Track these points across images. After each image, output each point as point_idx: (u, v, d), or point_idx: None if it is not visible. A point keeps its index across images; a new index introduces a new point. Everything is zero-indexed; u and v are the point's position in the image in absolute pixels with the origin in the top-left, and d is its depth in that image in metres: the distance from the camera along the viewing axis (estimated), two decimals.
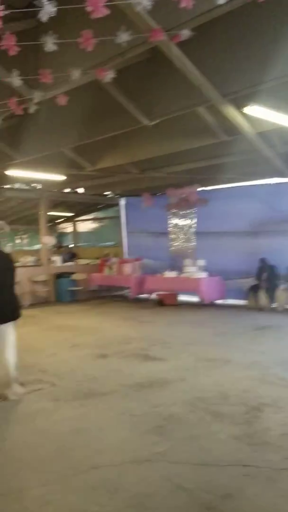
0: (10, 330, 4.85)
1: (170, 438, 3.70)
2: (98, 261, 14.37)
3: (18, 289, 5.26)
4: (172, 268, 12.08)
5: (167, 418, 4.11)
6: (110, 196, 16.14)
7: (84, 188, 15.33)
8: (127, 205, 15.07)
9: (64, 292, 13.25)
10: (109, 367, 5.98)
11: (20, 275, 12.49)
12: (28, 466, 3.32)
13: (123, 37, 3.84)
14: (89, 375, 5.58)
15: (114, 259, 13.65)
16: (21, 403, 4.68)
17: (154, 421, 4.04)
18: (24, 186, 15.19)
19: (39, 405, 4.58)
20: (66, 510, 2.76)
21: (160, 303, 11.82)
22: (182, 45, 5.20)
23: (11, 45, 3.58)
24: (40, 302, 12.96)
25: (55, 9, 3.13)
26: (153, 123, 7.50)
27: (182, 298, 12.17)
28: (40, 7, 3.19)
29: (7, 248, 6.94)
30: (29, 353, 6.85)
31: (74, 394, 4.85)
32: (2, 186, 13.30)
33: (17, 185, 15.73)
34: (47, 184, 13.69)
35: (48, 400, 4.71)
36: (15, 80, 4.45)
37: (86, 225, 19.70)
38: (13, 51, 3.65)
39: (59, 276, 13.48)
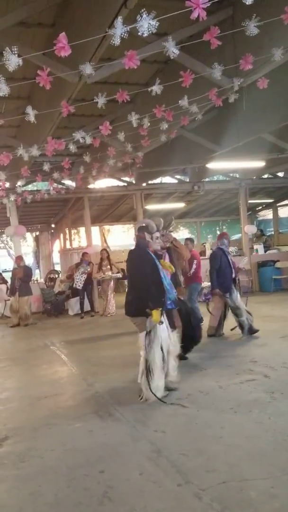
0: None
1: None
2: None
3: None
4: None
5: None
6: None
7: (284, 171, 14.68)
8: None
9: (267, 281, 12.95)
10: None
11: None
12: (248, 456, 3.33)
13: None
14: None
15: None
16: (235, 393, 4.73)
17: None
18: (222, 178, 15.39)
19: (253, 396, 4.56)
20: None
21: None
22: None
23: (213, 38, 3.58)
24: (243, 292, 12.95)
25: None
26: None
27: None
28: None
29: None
30: (238, 342, 6.93)
31: None
32: (202, 180, 13.71)
33: (215, 177, 16.05)
34: (245, 172, 13.57)
35: (262, 392, 4.64)
36: (216, 72, 4.46)
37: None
38: (215, 44, 3.65)
39: (262, 264, 13.22)
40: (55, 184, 10.33)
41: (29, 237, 22.85)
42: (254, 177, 14.32)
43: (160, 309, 4.60)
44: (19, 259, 11.43)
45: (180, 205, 16.81)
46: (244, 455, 3.36)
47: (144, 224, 5.06)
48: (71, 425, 4.31)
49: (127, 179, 13.53)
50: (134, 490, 3.02)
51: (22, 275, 10.96)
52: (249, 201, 15.00)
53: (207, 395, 4.73)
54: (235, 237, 21.81)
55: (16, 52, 3.02)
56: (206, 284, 9.19)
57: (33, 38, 5.94)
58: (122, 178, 13.53)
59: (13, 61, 2.95)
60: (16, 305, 11.08)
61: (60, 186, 11.42)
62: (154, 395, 4.60)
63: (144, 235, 5.00)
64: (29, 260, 21.79)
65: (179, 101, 5.05)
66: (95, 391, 5.27)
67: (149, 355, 4.66)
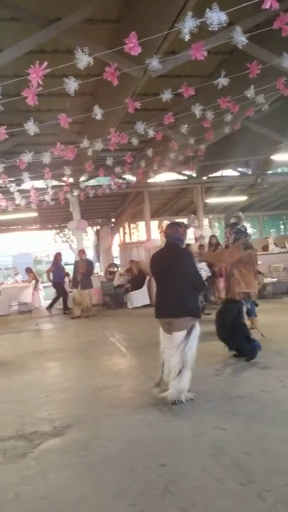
0: None
1: None
2: None
3: None
4: None
5: None
6: None
7: None
8: None
9: None
10: None
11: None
12: None
13: None
14: None
15: None
16: None
17: None
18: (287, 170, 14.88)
19: None
20: None
21: None
22: None
23: (284, 25, 3.45)
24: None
25: None
26: None
27: None
28: None
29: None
30: None
31: None
32: (266, 172, 13.32)
33: (279, 169, 15.53)
34: None
35: None
36: (286, 61, 4.29)
37: None
38: (287, 31, 3.51)
39: None
40: (116, 178, 10.45)
41: (90, 231, 23.35)
42: None
43: None
44: (81, 252, 11.72)
45: (242, 198, 16.45)
46: None
47: (187, 221, 4.95)
48: (131, 416, 4.36)
49: (187, 172, 13.43)
50: (196, 486, 3.01)
51: (85, 269, 11.24)
52: None
53: (270, 394, 4.60)
54: None
55: (87, 52, 3.07)
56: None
57: (97, 34, 6.01)
58: (182, 172, 13.44)
59: (84, 60, 3.00)
60: (78, 298, 11.38)
61: (121, 180, 11.54)
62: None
63: (184, 230, 4.86)
64: (89, 254, 22.33)
65: (245, 92, 4.91)
66: (154, 384, 5.29)
67: (187, 355, 4.54)
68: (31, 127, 4.42)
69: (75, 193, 10.88)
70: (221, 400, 4.53)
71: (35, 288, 14.27)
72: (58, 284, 12.67)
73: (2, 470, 3.50)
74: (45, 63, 3.21)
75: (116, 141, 5.88)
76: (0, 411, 4.83)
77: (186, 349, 4.52)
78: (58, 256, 12.99)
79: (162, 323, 4.78)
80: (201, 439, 3.72)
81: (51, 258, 29.80)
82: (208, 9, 2.89)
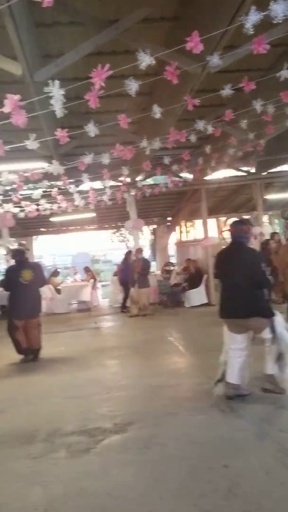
0: None
1: None
2: None
3: None
4: None
5: None
6: None
7: None
8: None
9: None
10: None
11: None
12: None
13: None
14: None
15: None
16: None
17: None
18: None
19: None
20: None
21: None
22: None
23: None
24: None
25: None
26: None
27: None
28: None
29: None
30: None
31: None
32: None
33: None
34: None
35: None
36: None
37: None
38: None
39: None
40: (173, 177, 10.43)
41: (146, 230, 23.51)
42: None
43: None
44: (138, 251, 11.79)
45: None
46: None
47: (249, 217, 4.88)
48: (192, 416, 4.33)
49: (245, 168, 13.15)
50: (261, 489, 2.94)
51: (141, 268, 11.31)
52: None
53: None
54: None
55: (148, 52, 3.10)
56: None
57: (154, 33, 6.00)
58: (240, 168, 13.18)
59: (146, 60, 3.03)
60: (136, 296, 11.46)
61: (177, 178, 11.50)
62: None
63: (248, 228, 4.83)
64: (146, 253, 22.49)
65: None
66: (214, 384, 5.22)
67: (281, 345, 4.47)
68: (91, 129, 4.50)
69: (132, 192, 10.99)
70: (285, 402, 4.40)
71: (93, 286, 14.58)
72: (126, 282, 12.27)
73: (67, 465, 3.60)
74: (107, 66, 3.25)
75: (175, 140, 5.86)
76: (64, 407, 4.98)
77: (279, 340, 4.47)
78: (128, 254, 13.00)
79: (228, 323, 4.74)
80: (265, 441, 3.63)
81: (108, 258, 30.22)
82: (272, 0, 2.81)
